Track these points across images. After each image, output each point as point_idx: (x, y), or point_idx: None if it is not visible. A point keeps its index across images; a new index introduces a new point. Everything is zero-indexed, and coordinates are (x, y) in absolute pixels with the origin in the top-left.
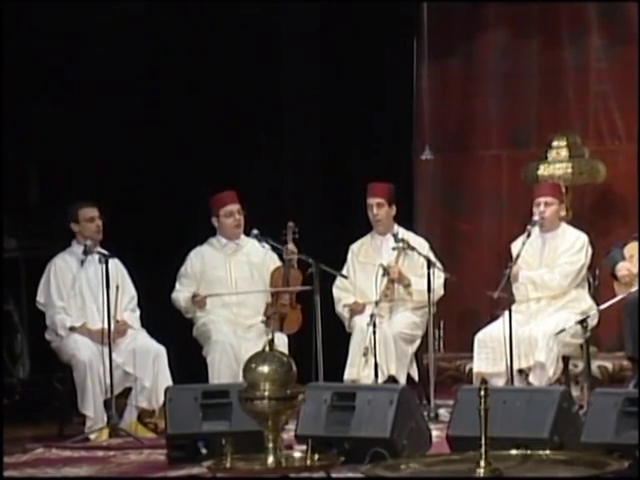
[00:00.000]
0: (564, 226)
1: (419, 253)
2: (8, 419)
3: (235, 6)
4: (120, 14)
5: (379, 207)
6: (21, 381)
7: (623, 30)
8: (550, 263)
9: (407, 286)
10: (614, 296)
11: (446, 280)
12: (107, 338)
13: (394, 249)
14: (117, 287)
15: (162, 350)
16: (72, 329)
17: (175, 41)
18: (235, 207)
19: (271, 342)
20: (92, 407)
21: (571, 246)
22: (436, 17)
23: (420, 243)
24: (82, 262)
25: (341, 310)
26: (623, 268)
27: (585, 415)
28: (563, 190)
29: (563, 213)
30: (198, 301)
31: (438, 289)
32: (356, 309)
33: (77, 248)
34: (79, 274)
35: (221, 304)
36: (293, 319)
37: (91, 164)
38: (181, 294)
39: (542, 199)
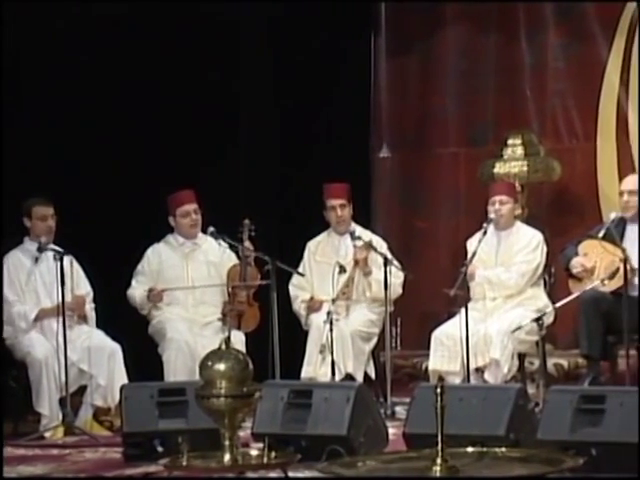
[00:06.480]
0: (519, 224)
1: (376, 251)
2: None
3: (194, 5)
4: (80, 14)
5: (342, 208)
6: None
7: (580, 29)
8: (506, 261)
9: (368, 274)
10: (570, 294)
11: (404, 279)
12: (63, 316)
13: (354, 246)
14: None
15: (117, 348)
16: (36, 319)
17: (133, 40)
18: (192, 207)
19: (227, 340)
20: (47, 405)
21: (527, 244)
22: (394, 14)
23: (377, 242)
24: (36, 259)
25: (298, 308)
26: (577, 264)
27: (541, 412)
28: (518, 189)
29: (518, 212)
30: (155, 295)
31: (396, 288)
32: (313, 306)
33: (30, 245)
34: (33, 271)
35: (177, 303)
36: (250, 317)
37: (45, 160)
38: (137, 291)
39: (497, 197)
